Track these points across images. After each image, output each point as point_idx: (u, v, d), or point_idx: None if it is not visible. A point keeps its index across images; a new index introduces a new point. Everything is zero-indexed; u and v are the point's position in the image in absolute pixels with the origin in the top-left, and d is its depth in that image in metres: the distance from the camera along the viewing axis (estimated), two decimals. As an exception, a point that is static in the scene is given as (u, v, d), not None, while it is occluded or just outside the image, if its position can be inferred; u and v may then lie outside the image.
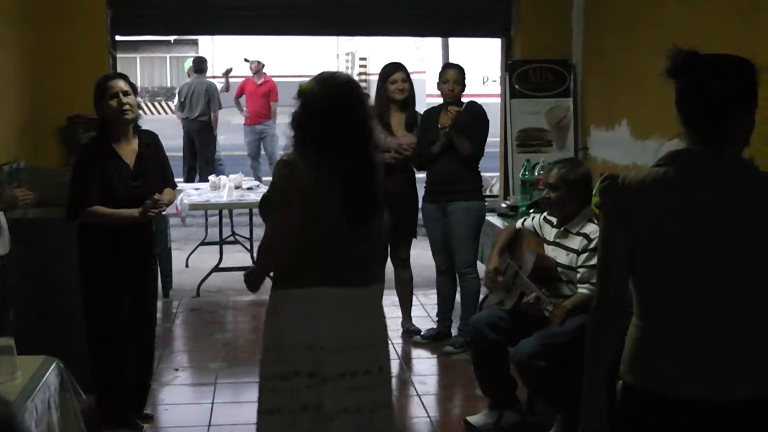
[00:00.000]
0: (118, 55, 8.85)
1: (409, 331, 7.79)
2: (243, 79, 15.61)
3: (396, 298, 7.82)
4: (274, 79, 15.56)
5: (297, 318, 4.03)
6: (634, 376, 3.03)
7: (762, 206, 2.89)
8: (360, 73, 30.40)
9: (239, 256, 9.94)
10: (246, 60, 15.58)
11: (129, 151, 5.57)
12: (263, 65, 15.30)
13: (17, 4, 7.60)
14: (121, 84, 5.50)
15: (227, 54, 26.93)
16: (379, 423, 4.13)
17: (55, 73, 8.02)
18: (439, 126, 7.24)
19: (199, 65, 14.37)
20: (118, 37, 8.72)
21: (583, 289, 5.39)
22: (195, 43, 34.51)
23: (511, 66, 9.02)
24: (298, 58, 29.67)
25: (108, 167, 5.49)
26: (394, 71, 7.48)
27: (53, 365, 4.08)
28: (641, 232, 2.94)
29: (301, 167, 4.01)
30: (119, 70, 8.74)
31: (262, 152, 15.23)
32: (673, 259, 2.92)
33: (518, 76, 8.93)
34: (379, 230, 4.24)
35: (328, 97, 4.11)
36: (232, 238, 10.27)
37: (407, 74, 7.50)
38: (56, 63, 8.04)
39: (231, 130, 19.72)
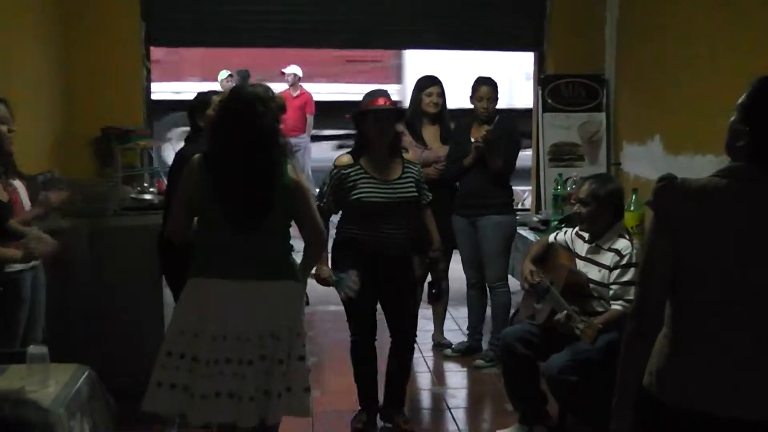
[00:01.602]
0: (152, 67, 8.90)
1: (440, 345, 7.78)
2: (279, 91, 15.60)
3: (427, 311, 7.81)
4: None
5: (191, 305, 4.54)
6: (667, 390, 2.97)
7: None
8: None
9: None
10: (282, 72, 15.57)
11: None
12: (299, 77, 15.29)
13: (52, 17, 7.66)
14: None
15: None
16: (263, 410, 4.46)
17: (88, 85, 8.06)
18: (472, 140, 7.22)
19: (244, 78, 14.16)
20: (151, 49, 8.76)
21: (616, 306, 5.37)
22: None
23: (543, 80, 9.00)
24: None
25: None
26: (430, 84, 7.49)
27: (85, 373, 4.10)
28: (695, 241, 2.90)
29: (196, 169, 4.54)
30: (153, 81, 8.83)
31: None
32: (725, 272, 2.88)
33: (551, 91, 8.92)
34: (279, 228, 4.62)
35: (221, 111, 4.62)
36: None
37: (442, 89, 7.51)
38: (90, 75, 8.08)
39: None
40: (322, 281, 5.77)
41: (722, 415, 2.87)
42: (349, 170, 5.74)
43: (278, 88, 15.54)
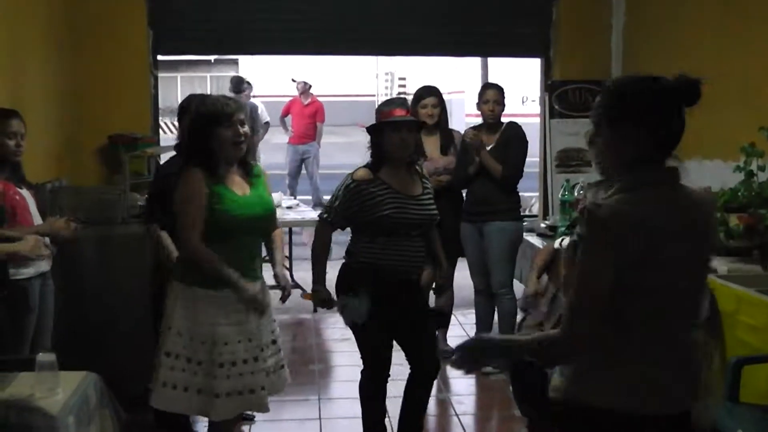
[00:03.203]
0: (159, 75, 8.92)
1: (444, 352, 7.74)
2: (289, 98, 15.65)
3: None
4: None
5: (208, 317, 4.67)
6: (616, 398, 2.97)
7: (708, 222, 3.12)
8: (399, 93, 30.45)
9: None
10: (293, 80, 15.62)
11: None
12: (310, 86, 15.32)
13: (60, 26, 7.69)
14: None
15: (268, 73, 27.15)
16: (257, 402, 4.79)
17: (96, 93, 8.10)
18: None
19: (237, 86, 14.29)
20: (158, 57, 8.79)
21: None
22: (235, 62, 34.70)
23: (550, 86, 9.01)
24: (336, 78, 29.81)
25: None
26: (425, 95, 7.46)
27: (93, 381, 4.11)
28: (637, 255, 2.88)
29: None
30: (160, 89, 8.85)
31: (302, 171, 15.25)
32: (666, 280, 2.94)
33: (557, 97, 8.92)
34: None
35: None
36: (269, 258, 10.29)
37: (439, 98, 7.45)
38: (98, 83, 8.11)
39: (271, 149, 19.81)
40: (321, 303, 5.49)
41: (662, 413, 2.98)
42: (370, 185, 5.22)
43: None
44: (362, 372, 5.42)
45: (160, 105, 9.35)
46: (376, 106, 5.56)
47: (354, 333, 5.37)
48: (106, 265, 6.39)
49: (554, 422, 3.23)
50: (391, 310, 5.22)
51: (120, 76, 8.21)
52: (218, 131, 4.63)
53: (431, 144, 7.44)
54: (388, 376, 5.41)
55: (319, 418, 6.32)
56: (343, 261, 5.43)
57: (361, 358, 5.42)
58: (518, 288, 7.38)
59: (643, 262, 2.89)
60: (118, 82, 8.19)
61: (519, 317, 7.22)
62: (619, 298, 2.88)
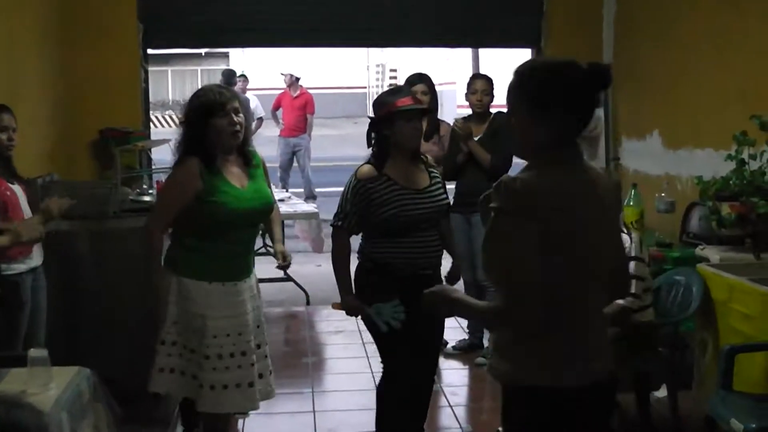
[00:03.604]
0: (150, 68, 8.91)
1: None
2: (281, 91, 15.65)
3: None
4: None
5: (199, 309, 4.69)
6: (547, 376, 3.06)
7: (615, 200, 3.29)
8: (390, 85, 30.44)
9: (271, 268, 9.94)
10: (282, 74, 15.63)
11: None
12: (298, 78, 15.33)
13: (49, 20, 7.67)
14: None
15: (259, 66, 27.11)
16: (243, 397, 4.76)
17: (87, 87, 8.09)
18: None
19: (229, 78, 14.35)
20: (149, 51, 8.77)
21: (617, 300, 5.37)
22: (226, 55, 34.67)
23: (541, 77, 8.99)
24: (329, 70, 29.79)
25: None
26: (416, 82, 7.44)
27: (86, 376, 4.10)
28: (555, 228, 2.97)
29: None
30: (150, 83, 8.84)
31: (294, 164, 15.25)
32: (581, 255, 3.04)
33: (549, 87, 8.90)
34: None
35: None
36: (263, 249, 10.29)
37: (429, 86, 7.44)
38: (88, 77, 8.11)
39: (262, 143, 19.80)
40: (352, 311, 5.13)
41: (567, 387, 3.06)
42: (376, 183, 4.98)
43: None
44: (385, 376, 5.20)
45: (151, 99, 9.34)
46: (376, 98, 5.29)
47: (377, 338, 5.09)
48: (98, 260, 6.38)
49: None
50: (411, 309, 4.80)
51: (111, 70, 8.20)
52: (213, 121, 4.62)
53: None
54: (417, 384, 5.20)
55: (313, 411, 6.32)
56: (357, 262, 5.21)
57: (382, 363, 5.21)
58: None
59: (560, 237, 2.97)
60: (108, 77, 8.18)
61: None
62: (540, 273, 2.94)
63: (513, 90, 3.15)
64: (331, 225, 5.12)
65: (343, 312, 5.14)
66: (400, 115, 4.98)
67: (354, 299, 5.06)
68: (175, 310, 4.71)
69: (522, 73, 3.15)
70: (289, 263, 5.19)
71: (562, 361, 3.05)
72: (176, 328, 4.72)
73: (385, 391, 5.20)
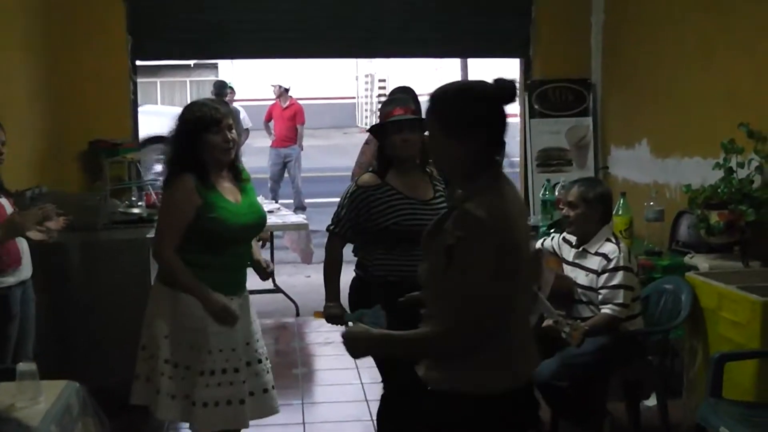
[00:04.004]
0: (139, 80, 8.90)
1: None
2: (270, 102, 15.69)
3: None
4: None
5: (194, 323, 4.62)
6: (474, 383, 3.16)
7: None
8: (379, 95, 30.45)
9: (259, 279, 9.93)
10: (272, 85, 15.67)
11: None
12: (287, 89, 15.36)
13: (38, 32, 7.66)
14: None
15: (247, 77, 27.11)
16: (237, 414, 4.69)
17: (76, 99, 8.08)
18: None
19: (220, 90, 14.32)
20: (138, 62, 8.77)
21: (605, 310, 5.38)
22: (215, 67, 34.64)
23: (530, 86, 9.02)
24: (318, 80, 29.76)
25: None
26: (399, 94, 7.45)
27: (75, 390, 4.08)
28: (512, 248, 3.07)
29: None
30: (140, 95, 8.83)
31: (285, 175, 15.26)
32: (524, 268, 3.18)
33: (538, 96, 8.94)
34: None
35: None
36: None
37: (413, 98, 7.43)
38: (78, 89, 8.09)
39: (252, 153, 19.80)
40: (332, 320, 4.95)
41: (500, 392, 3.18)
42: (377, 191, 4.88)
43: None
44: (384, 394, 5.06)
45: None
46: (379, 107, 5.20)
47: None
48: (88, 271, 6.37)
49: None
50: (411, 325, 4.76)
51: (99, 82, 8.19)
52: (207, 137, 4.58)
53: None
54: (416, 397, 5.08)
55: (303, 423, 6.31)
56: (354, 275, 5.07)
57: (383, 380, 5.06)
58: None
59: (513, 256, 3.06)
60: (97, 88, 8.17)
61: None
62: (497, 297, 3.05)
63: (428, 115, 3.24)
64: (326, 230, 5.06)
65: (324, 320, 5.02)
66: (391, 125, 4.92)
67: (336, 307, 4.94)
68: (165, 326, 4.64)
69: (435, 97, 3.22)
70: (272, 270, 5.20)
71: (500, 368, 3.16)
72: (167, 344, 4.63)
73: (383, 409, 5.08)
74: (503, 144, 3.20)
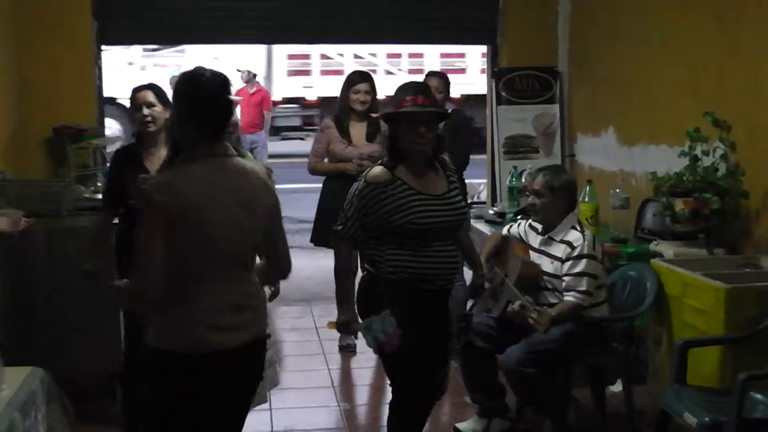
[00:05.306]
0: (103, 65, 8.84)
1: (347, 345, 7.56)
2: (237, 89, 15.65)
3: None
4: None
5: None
6: (181, 341, 3.57)
7: (242, 185, 3.70)
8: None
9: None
10: (238, 70, 15.60)
11: (155, 159, 5.34)
12: (254, 74, 15.32)
13: (2, 17, 7.58)
14: (148, 95, 5.41)
15: (214, 64, 26.93)
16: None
17: (40, 85, 8.00)
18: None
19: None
20: (103, 47, 8.70)
21: (569, 297, 5.41)
22: (182, 52, 34.40)
23: (497, 73, 9.03)
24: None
25: (128, 174, 4.84)
26: (358, 81, 7.46)
27: (40, 376, 4.06)
28: (180, 216, 3.48)
29: None
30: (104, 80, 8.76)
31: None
32: (214, 234, 3.57)
33: (505, 83, 8.95)
34: None
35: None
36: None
37: (372, 86, 7.47)
38: (42, 75, 8.01)
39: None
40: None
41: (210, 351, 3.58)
42: (388, 187, 4.55)
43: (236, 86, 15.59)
44: (399, 399, 4.82)
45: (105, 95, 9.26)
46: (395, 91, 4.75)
47: (383, 357, 4.74)
48: (52, 258, 6.32)
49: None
50: (427, 325, 4.60)
51: (64, 67, 8.12)
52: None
53: (358, 131, 7.45)
54: (430, 404, 4.89)
55: (270, 409, 6.29)
56: (364, 273, 4.81)
57: (391, 385, 4.83)
58: (468, 275, 7.39)
59: (188, 222, 3.50)
60: (62, 74, 8.10)
61: (469, 304, 7.25)
62: (177, 255, 3.48)
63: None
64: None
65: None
66: (404, 116, 4.57)
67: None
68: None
69: (176, 82, 3.75)
70: None
71: (185, 329, 3.56)
72: None
73: (395, 417, 4.86)
74: (218, 129, 3.67)
